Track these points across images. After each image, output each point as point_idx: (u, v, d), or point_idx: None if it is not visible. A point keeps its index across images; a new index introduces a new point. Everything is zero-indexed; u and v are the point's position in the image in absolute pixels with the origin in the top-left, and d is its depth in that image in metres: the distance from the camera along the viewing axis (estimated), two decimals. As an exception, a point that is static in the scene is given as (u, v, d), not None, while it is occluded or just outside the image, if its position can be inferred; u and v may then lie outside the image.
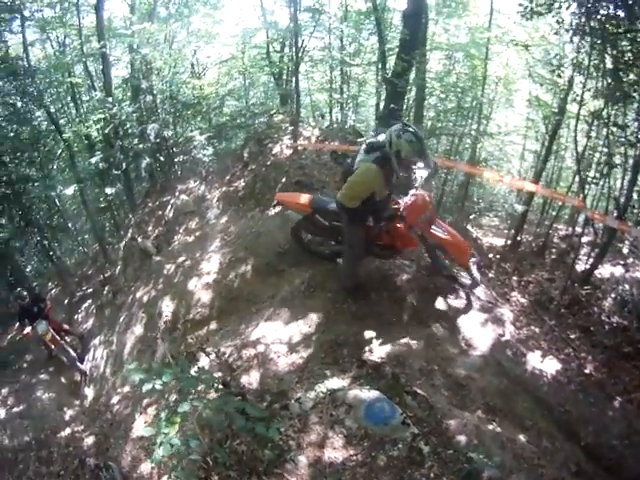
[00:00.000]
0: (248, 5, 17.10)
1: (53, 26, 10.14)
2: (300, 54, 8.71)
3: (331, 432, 2.86)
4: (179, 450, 2.82)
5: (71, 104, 11.13)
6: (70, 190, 7.59)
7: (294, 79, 7.76)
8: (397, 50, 6.87)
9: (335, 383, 3.20)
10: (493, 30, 7.57)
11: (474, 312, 4.14)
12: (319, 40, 9.24)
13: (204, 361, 4.10)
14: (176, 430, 2.91)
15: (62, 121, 10.54)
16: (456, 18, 9.21)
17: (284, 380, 3.44)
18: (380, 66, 7.11)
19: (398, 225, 3.88)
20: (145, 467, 3.77)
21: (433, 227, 3.97)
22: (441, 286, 4.35)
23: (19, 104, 9.65)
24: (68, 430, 5.54)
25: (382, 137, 3.50)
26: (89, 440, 5.05)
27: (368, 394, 3.01)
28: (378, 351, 3.55)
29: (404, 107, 7.15)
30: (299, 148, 6.78)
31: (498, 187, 10.14)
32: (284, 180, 6.16)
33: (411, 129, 3.36)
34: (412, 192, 3.87)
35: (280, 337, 3.97)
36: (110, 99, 8.43)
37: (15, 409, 6.34)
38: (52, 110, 10.22)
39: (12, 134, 9.42)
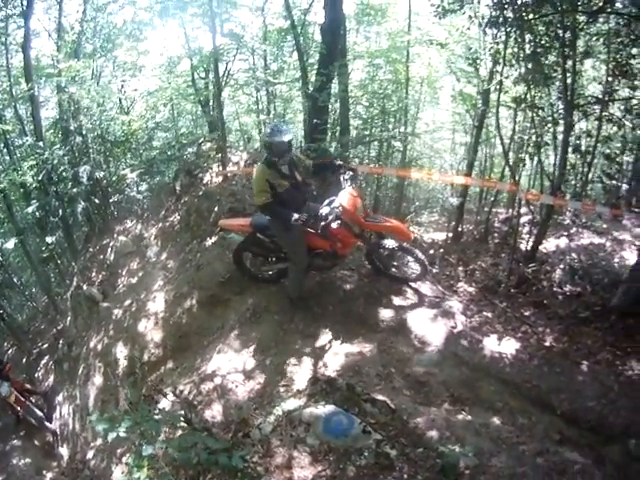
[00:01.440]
0: (172, 34, 17.01)
1: None
2: (226, 78, 8.81)
3: (295, 452, 2.87)
4: None
5: (4, 151, 10.88)
6: (10, 243, 7.34)
7: (217, 105, 7.82)
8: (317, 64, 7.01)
9: (291, 404, 3.23)
10: (413, 32, 7.79)
11: (423, 309, 4.22)
12: (243, 62, 9.39)
13: (165, 402, 4.09)
14: (146, 474, 2.98)
15: None
16: (376, 25, 9.46)
17: (244, 408, 3.47)
18: (302, 82, 7.21)
19: (334, 226, 3.96)
20: None
21: (368, 219, 4.15)
22: (385, 290, 4.41)
23: None
24: None
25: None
26: None
27: (324, 409, 3.04)
28: (333, 364, 3.59)
29: (329, 120, 7.27)
30: (229, 175, 6.75)
31: (433, 183, 10.45)
32: (217, 209, 6.12)
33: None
34: (341, 192, 4.08)
35: (235, 366, 4.01)
36: (41, 143, 8.12)
37: None
38: None
39: None
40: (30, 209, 7.48)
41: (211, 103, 9.17)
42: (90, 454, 5.32)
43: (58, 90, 8.89)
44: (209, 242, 5.85)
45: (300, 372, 3.64)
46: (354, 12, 9.10)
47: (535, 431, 3.09)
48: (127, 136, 8.30)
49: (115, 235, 6.97)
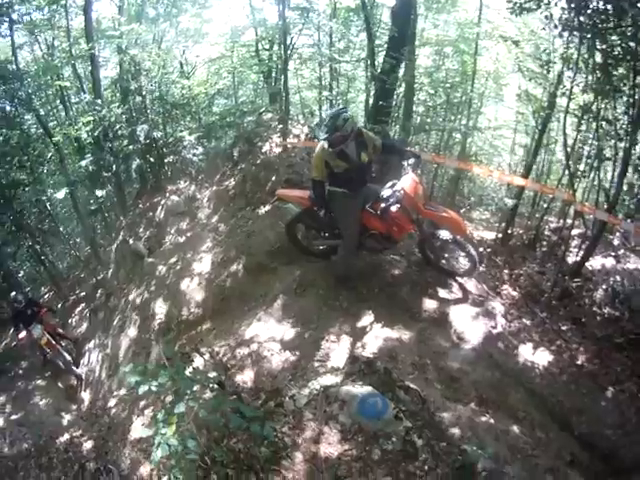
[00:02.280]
0: (237, 3, 17.25)
1: (42, 29, 10.14)
2: (289, 52, 8.74)
3: (326, 428, 2.89)
4: (177, 450, 2.84)
5: (60, 107, 11.15)
6: (61, 194, 7.52)
7: (283, 77, 7.81)
8: (386, 47, 6.87)
9: (328, 380, 3.23)
10: (483, 25, 7.59)
11: (465, 305, 4.15)
12: (308, 37, 9.23)
13: (198, 361, 4.10)
14: (173, 431, 2.92)
15: (51, 124, 10.54)
16: (445, 13, 9.22)
17: (278, 378, 3.47)
18: (369, 63, 7.07)
19: (393, 209, 3.91)
20: (144, 469, 3.83)
21: (427, 207, 4.07)
22: (432, 280, 4.36)
23: (8, 108, 9.61)
24: (67, 435, 5.57)
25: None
26: (88, 444, 5.10)
27: (360, 390, 3.03)
28: (370, 347, 3.57)
29: (393, 103, 7.12)
30: (288, 146, 6.76)
31: (488, 181, 10.15)
32: (274, 178, 6.14)
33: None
34: (403, 177, 4.02)
35: (273, 335, 4.00)
36: (99, 101, 8.38)
37: (13, 416, 6.38)
38: (41, 113, 10.18)
39: (1, 138, 9.38)
40: (83, 163, 7.68)
41: (274, 75, 9.15)
42: (112, 402, 5.55)
43: (119, 52, 9.03)
44: (262, 210, 5.90)
45: (337, 350, 3.63)
46: (424, -2, 8.86)
47: (550, 447, 3.08)
48: (187, 99, 8.32)
49: (167, 194, 7.06)
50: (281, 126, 7.20)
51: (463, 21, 8.87)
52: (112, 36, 8.79)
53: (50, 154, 9.01)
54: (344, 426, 2.88)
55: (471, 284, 4.45)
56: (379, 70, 6.56)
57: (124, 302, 6.34)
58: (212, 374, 3.60)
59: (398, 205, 3.90)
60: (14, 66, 9.39)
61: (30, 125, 10.20)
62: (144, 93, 8.24)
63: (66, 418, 6.25)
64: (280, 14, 7.07)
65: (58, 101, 11.08)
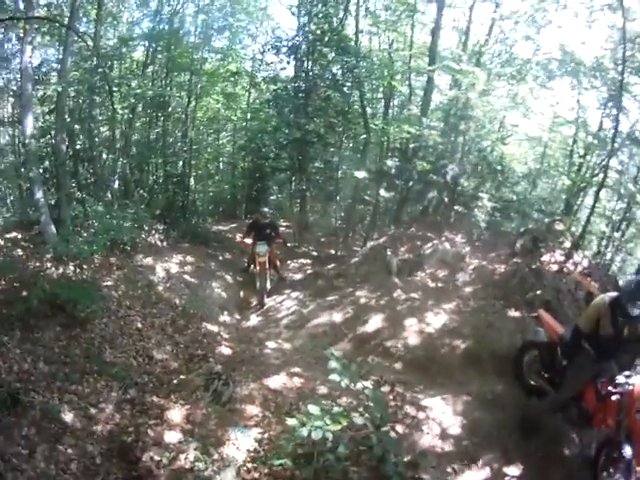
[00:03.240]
0: (566, 94, 16.64)
1: (386, 27, 10.95)
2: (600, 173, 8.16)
3: None
4: (324, 443, 3.24)
5: (381, 103, 12.30)
6: (361, 174, 8.36)
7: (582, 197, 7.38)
8: None
9: None
10: None
11: None
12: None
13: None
14: (335, 429, 3.20)
15: (369, 110, 11.52)
16: None
17: (426, 457, 3.63)
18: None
19: (613, 398, 3.61)
20: (252, 409, 4.24)
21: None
22: None
23: (337, 72, 10.59)
24: (215, 327, 6.06)
25: None
26: (226, 350, 5.51)
27: None
28: None
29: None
30: (565, 270, 6.49)
31: None
32: (538, 292, 5.96)
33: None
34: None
35: (441, 420, 4.16)
36: (425, 119, 9.11)
37: (186, 275, 7.21)
38: (366, 96, 11.20)
39: (323, 95, 10.63)
40: (389, 162, 8.52)
41: (580, 184, 8.83)
42: (270, 345, 5.91)
43: (455, 85, 9.58)
44: (512, 313, 5.83)
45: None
46: None
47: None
48: (503, 167, 8.54)
49: (442, 238, 7.39)
50: (569, 246, 6.96)
51: None
52: (451, 69, 8.92)
53: (363, 135, 10.09)
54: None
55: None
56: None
57: (349, 291, 6.83)
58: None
59: (620, 397, 3.57)
60: (354, 45, 10.18)
61: (353, 101, 11.08)
62: (467, 138, 8.75)
63: (225, 317, 6.79)
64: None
65: (381, 95, 12.26)
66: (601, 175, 8.42)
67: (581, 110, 10.27)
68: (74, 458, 3.41)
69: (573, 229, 8.41)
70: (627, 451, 3.62)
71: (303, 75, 10.95)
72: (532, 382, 4.53)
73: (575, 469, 3.88)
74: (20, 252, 5.83)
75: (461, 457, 3.76)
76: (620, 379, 3.63)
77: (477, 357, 5.18)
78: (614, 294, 3.78)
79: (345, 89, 10.72)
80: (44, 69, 8.93)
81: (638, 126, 8.79)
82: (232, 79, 12.79)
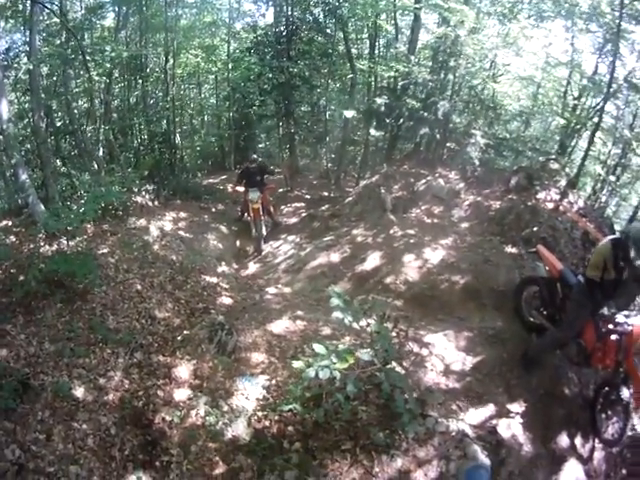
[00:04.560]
0: (560, 35, 16.15)
1: None
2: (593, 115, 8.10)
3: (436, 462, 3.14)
4: (332, 383, 3.32)
5: (366, 43, 11.85)
6: (349, 113, 8.12)
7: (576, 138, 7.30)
8: None
9: (467, 428, 3.38)
10: None
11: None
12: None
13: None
14: (342, 367, 3.17)
15: (355, 50, 11.18)
16: None
17: (432, 394, 3.68)
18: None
19: (612, 338, 3.68)
20: (258, 357, 4.31)
21: (638, 360, 3.66)
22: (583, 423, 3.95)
23: (319, 15, 10.29)
24: (214, 279, 6.00)
25: None
26: (226, 300, 5.53)
27: (484, 459, 3.14)
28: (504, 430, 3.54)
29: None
30: (560, 209, 6.48)
31: None
32: (535, 229, 6.00)
33: None
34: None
35: (444, 356, 4.21)
36: (413, 57, 8.83)
37: (181, 231, 7.16)
38: (350, 37, 10.84)
39: (306, 39, 10.40)
40: (378, 100, 8.23)
41: (572, 125, 8.74)
42: (271, 291, 5.98)
43: (443, 22, 9.18)
44: (509, 249, 5.87)
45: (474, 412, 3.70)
46: None
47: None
48: (496, 104, 8.36)
49: (436, 175, 7.33)
50: (564, 185, 6.93)
51: None
52: (438, 5, 8.50)
53: (349, 76, 9.81)
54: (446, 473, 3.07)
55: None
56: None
57: (345, 231, 6.83)
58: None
59: (618, 337, 3.64)
60: None
61: (337, 43, 10.74)
62: (457, 75, 8.50)
63: (223, 268, 6.75)
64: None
65: (366, 35, 11.82)
66: (596, 118, 8.29)
67: (575, 53, 10.00)
68: (90, 433, 3.43)
69: (567, 170, 8.36)
70: (625, 393, 3.70)
71: (283, 20, 10.58)
72: (532, 319, 4.56)
73: (575, 410, 3.98)
74: (13, 238, 5.67)
75: (466, 393, 3.83)
76: (620, 318, 3.68)
77: (476, 292, 5.25)
78: (615, 237, 3.82)
79: (328, 31, 10.38)
80: (12, 53, 8.54)
81: (635, 73, 8.58)
82: (209, 31, 12.42)
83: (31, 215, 6.07)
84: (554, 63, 10.18)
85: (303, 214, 8.55)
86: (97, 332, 4.34)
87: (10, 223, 6.14)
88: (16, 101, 8.91)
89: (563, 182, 7.12)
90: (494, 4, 10.58)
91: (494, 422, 3.56)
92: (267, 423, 3.59)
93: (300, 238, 7.39)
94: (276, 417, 3.59)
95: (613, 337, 3.69)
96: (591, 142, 8.09)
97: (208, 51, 12.13)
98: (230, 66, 12.08)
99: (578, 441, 3.80)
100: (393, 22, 10.58)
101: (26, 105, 8.57)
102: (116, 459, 3.33)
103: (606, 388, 3.91)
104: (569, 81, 9.95)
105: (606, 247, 3.71)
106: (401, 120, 8.20)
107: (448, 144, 8.23)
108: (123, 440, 3.47)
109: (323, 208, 7.98)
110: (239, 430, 3.57)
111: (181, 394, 3.89)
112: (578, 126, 9.43)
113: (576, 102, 9.86)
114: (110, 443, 3.42)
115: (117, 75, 10.67)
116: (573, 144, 10.03)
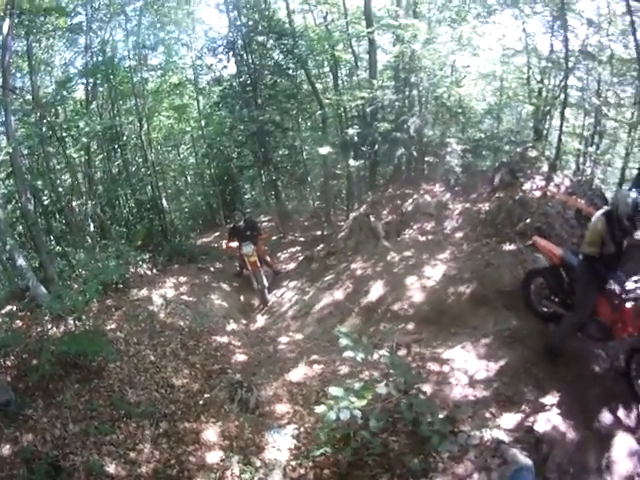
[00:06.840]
0: (511, 24, 16.57)
1: (317, 1, 10.58)
2: (560, 91, 8.26)
3: (476, 475, 3.06)
4: (356, 421, 3.22)
5: (330, 75, 12.06)
6: (325, 150, 8.28)
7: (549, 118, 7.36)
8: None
9: (501, 435, 3.33)
10: None
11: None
12: (577, 79, 8.89)
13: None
14: (362, 405, 3.21)
15: (319, 86, 11.50)
16: None
17: (460, 408, 3.62)
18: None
19: (628, 305, 3.67)
20: (282, 408, 4.28)
21: None
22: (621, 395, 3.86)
23: (280, 58, 10.61)
24: (224, 338, 5.99)
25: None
26: (241, 357, 5.55)
27: (525, 460, 3.09)
28: (541, 425, 3.47)
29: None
30: (548, 194, 6.51)
31: None
32: (528, 221, 6.02)
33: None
34: None
35: (466, 368, 4.13)
36: (375, 82, 9.01)
37: (184, 296, 7.07)
38: (312, 73, 11.07)
39: (269, 83, 10.65)
40: (351, 131, 8.38)
41: (542, 108, 8.85)
42: (284, 339, 5.96)
43: (397, 41, 9.44)
44: (507, 247, 5.84)
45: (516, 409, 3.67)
46: None
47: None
48: (463, 109, 8.50)
49: (421, 192, 7.36)
50: (546, 170, 6.95)
51: None
52: (390, 25, 8.98)
53: (319, 113, 10.00)
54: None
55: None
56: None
57: (343, 267, 6.81)
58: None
59: (634, 303, 3.63)
60: (289, 26, 10.25)
61: (301, 82, 11.16)
62: (421, 89, 8.67)
63: (232, 325, 6.73)
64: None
65: (327, 69, 12.10)
66: (562, 95, 8.46)
67: (529, 38, 10.24)
68: (129, 507, 3.36)
69: (547, 153, 8.45)
70: None
71: (245, 69, 10.78)
72: (545, 309, 4.55)
73: (610, 384, 3.91)
74: (19, 322, 5.70)
75: (495, 399, 3.79)
76: (630, 285, 3.69)
77: (484, 298, 5.21)
78: (606, 210, 3.82)
79: (290, 72, 10.64)
80: (-11, 138, 8.77)
81: (588, 41, 8.78)
82: (177, 91, 12.60)
83: (34, 299, 6.10)
84: (511, 53, 10.44)
85: (300, 257, 8.55)
86: (119, 408, 4.35)
87: (14, 308, 6.17)
88: (1, 184, 9.02)
89: (545, 167, 7.18)
90: (442, 11, 10.97)
91: (531, 420, 3.51)
92: (302, 471, 3.57)
93: (301, 282, 7.39)
94: (310, 463, 3.57)
95: (628, 305, 3.69)
96: (562, 119, 8.25)
97: (179, 111, 12.41)
98: (203, 123, 12.36)
99: (621, 413, 3.71)
100: (350, 50, 10.84)
101: (10, 188, 8.64)
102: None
103: (636, 354, 3.86)
104: (529, 66, 10.14)
105: (600, 222, 3.75)
106: (376, 145, 8.30)
107: (426, 158, 8.32)
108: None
109: (318, 248, 7.97)
110: (276, 482, 3.52)
111: (213, 457, 3.88)
112: (547, 108, 9.53)
113: (540, 85, 10.01)
114: (150, 516, 3.34)
115: (95, 147, 10.80)
116: (547, 127, 10.15)
